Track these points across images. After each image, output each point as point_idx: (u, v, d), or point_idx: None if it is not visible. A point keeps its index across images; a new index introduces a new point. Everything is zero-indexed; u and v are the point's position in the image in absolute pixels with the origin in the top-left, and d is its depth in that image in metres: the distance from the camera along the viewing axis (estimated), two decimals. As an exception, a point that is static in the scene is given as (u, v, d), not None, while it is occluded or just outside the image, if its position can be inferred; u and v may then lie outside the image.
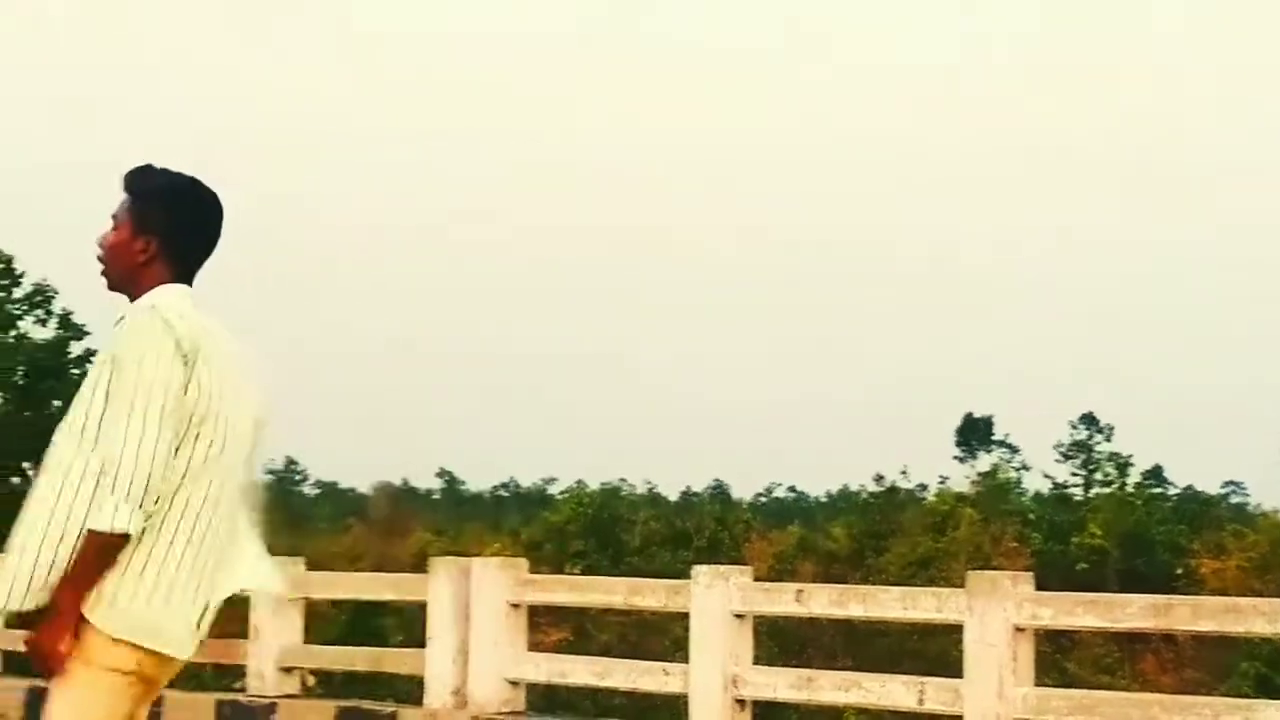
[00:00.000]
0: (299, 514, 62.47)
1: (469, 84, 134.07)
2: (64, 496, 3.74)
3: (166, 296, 3.90)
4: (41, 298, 31.99)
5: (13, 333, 31.61)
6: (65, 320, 31.94)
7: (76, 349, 31.96)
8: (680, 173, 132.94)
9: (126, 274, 3.97)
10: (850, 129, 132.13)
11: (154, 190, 3.96)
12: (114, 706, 3.80)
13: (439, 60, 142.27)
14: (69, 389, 31.13)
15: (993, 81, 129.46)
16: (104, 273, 4.02)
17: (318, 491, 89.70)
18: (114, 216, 3.99)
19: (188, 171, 4.07)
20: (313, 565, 13.18)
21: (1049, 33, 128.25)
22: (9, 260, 31.77)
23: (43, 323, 31.94)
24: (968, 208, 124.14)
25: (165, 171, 4.03)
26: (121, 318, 3.91)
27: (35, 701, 12.61)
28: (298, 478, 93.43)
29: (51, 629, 3.69)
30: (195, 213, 3.99)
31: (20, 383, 30.97)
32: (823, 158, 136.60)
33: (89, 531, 3.67)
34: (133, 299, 3.95)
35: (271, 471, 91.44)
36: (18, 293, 31.86)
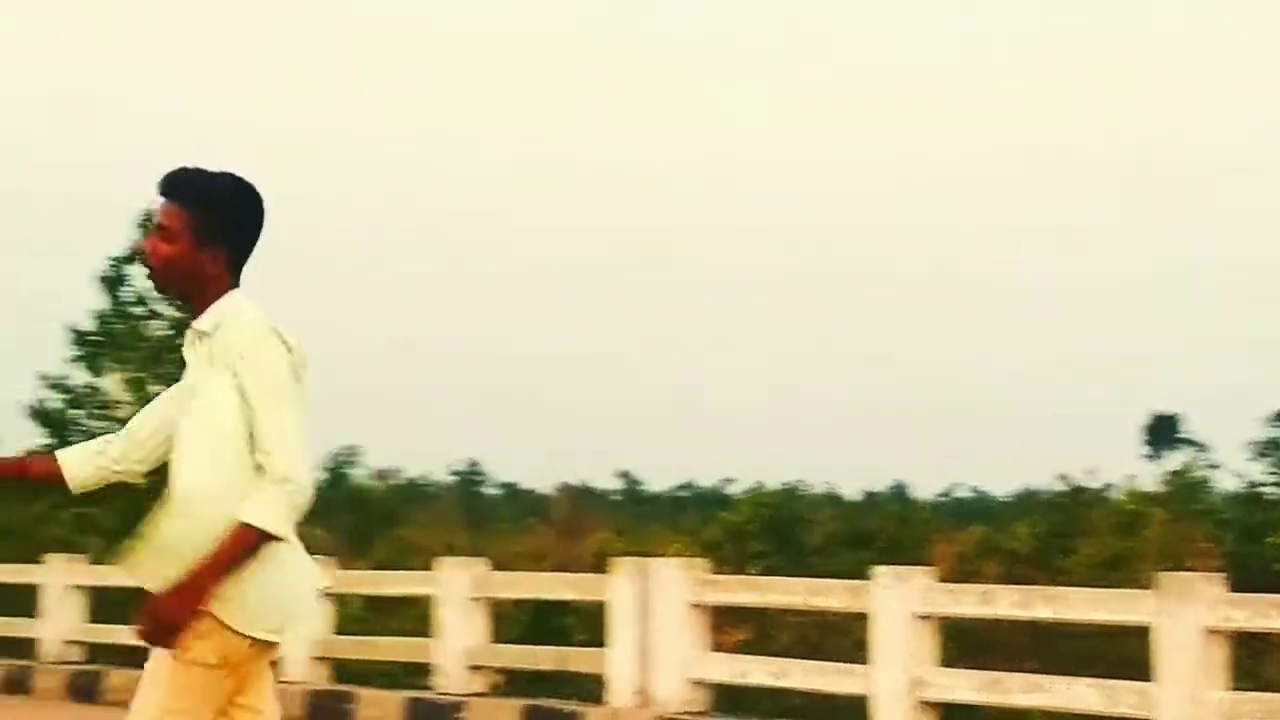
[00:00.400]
0: (481, 515, 63.27)
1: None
2: (218, 486, 3.77)
3: (254, 307, 3.90)
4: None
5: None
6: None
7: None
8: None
9: (192, 286, 3.91)
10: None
11: (218, 200, 3.89)
12: (215, 699, 3.84)
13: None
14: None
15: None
16: (160, 284, 4.00)
17: (500, 493, 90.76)
18: (163, 226, 3.89)
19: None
20: (496, 565, 13.36)
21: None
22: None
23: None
24: (1144, 205, 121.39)
25: (217, 175, 3.93)
26: (209, 328, 3.86)
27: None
28: (480, 479, 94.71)
29: (180, 600, 3.68)
30: (256, 219, 3.95)
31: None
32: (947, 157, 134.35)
33: (246, 525, 3.68)
34: (198, 309, 3.91)
35: (455, 473, 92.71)
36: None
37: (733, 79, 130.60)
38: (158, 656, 3.83)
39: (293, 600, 3.89)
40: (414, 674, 13.36)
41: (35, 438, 31.70)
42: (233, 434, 3.79)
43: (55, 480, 4.14)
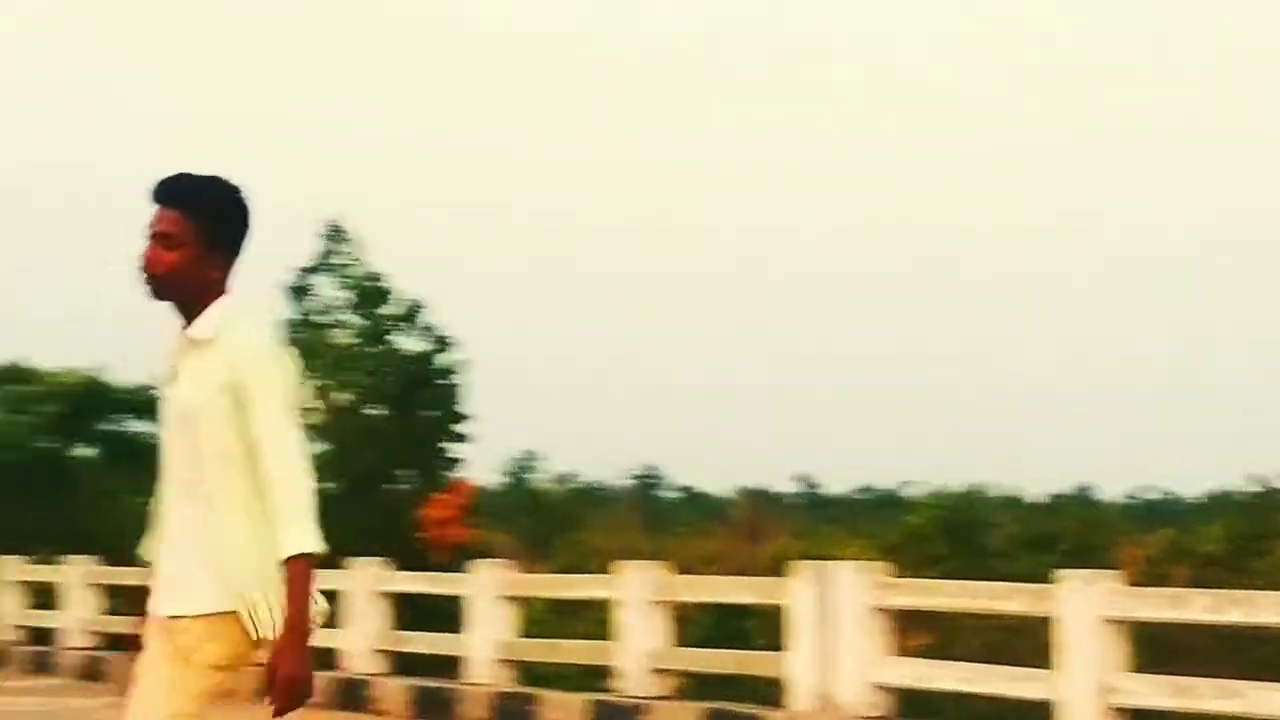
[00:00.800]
0: (660, 519, 63.50)
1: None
2: (254, 522, 3.81)
3: (251, 314, 3.91)
4: (413, 311, 33.43)
5: (386, 346, 33.14)
6: (435, 333, 33.31)
7: (446, 360, 33.27)
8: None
9: (195, 293, 3.85)
10: None
11: (219, 205, 3.87)
12: (218, 700, 3.98)
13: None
14: (439, 399, 32.45)
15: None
16: (160, 292, 3.88)
17: (678, 496, 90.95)
18: (165, 233, 3.83)
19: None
20: (676, 569, 13.42)
21: None
22: (380, 276, 33.35)
23: (414, 335, 33.37)
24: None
25: (215, 180, 3.90)
26: (205, 336, 3.84)
27: (423, 699, 13.21)
28: (658, 483, 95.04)
29: (296, 656, 3.74)
30: (248, 224, 3.93)
31: (395, 393, 32.41)
32: None
33: (301, 556, 3.74)
34: (192, 315, 3.86)
35: (634, 477, 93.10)
36: (390, 308, 33.39)
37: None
38: (155, 659, 3.88)
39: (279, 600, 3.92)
40: (596, 676, 13.47)
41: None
42: (239, 463, 3.81)
43: None
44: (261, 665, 3.83)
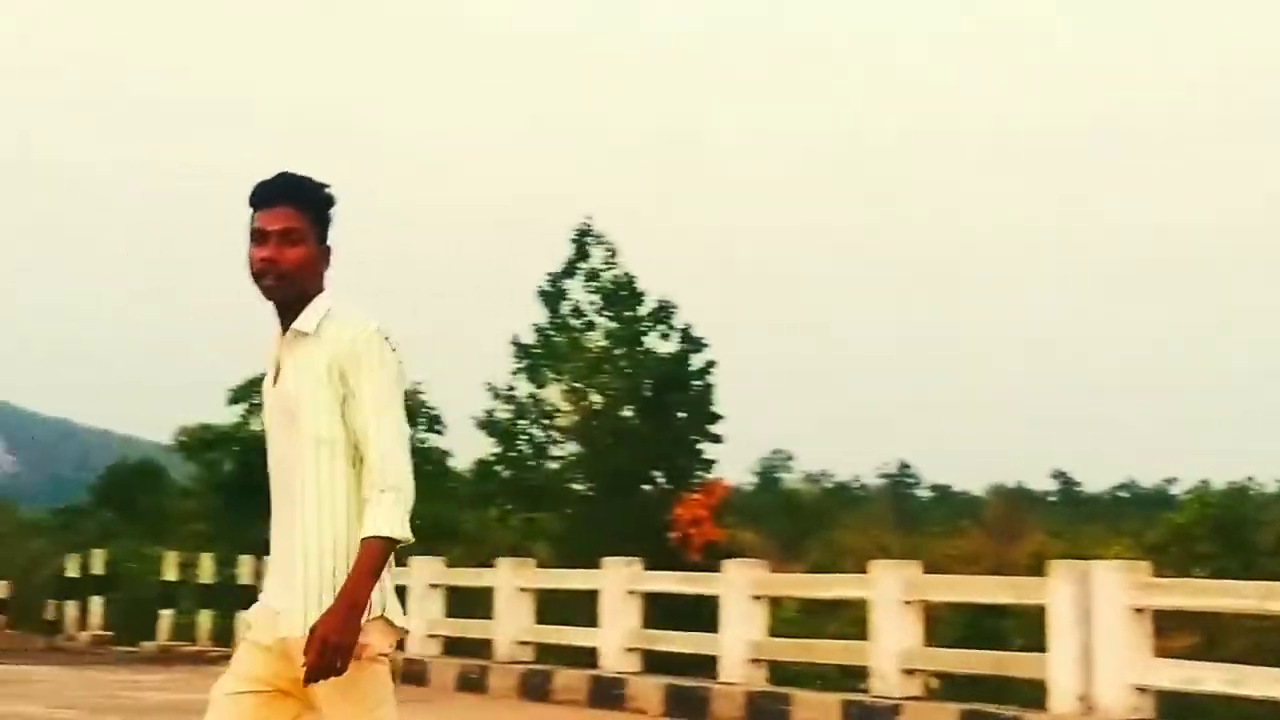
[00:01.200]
0: (913, 517, 62.84)
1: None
2: (337, 505, 3.77)
3: (356, 306, 3.90)
4: (663, 313, 33.69)
5: (639, 348, 33.47)
6: (686, 334, 33.51)
7: (696, 361, 33.45)
8: None
9: (310, 289, 3.88)
10: None
11: (324, 201, 3.93)
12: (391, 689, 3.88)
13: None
14: (690, 400, 32.65)
15: None
16: (285, 291, 3.87)
17: (931, 495, 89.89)
18: (288, 229, 3.85)
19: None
20: (929, 568, 13.29)
21: None
22: (631, 279, 33.69)
23: (665, 337, 33.63)
24: None
25: (312, 178, 3.96)
26: (310, 328, 3.84)
27: (677, 697, 13.33)
28: (911, 481, 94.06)
29: (343, 622, 3.62)
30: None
31: (647, 395, 32.71)
32: None
33: (380, 537, 3.66)
34: (296, 312, 3.87)
35: (885, 475, 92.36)
36: (641, 310, 33.70)
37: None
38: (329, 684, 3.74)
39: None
40: (849, 676, 13.42)
41: (485, 447, 33.41)
42: (341, 452, 3.79)
43: None
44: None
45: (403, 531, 3.68)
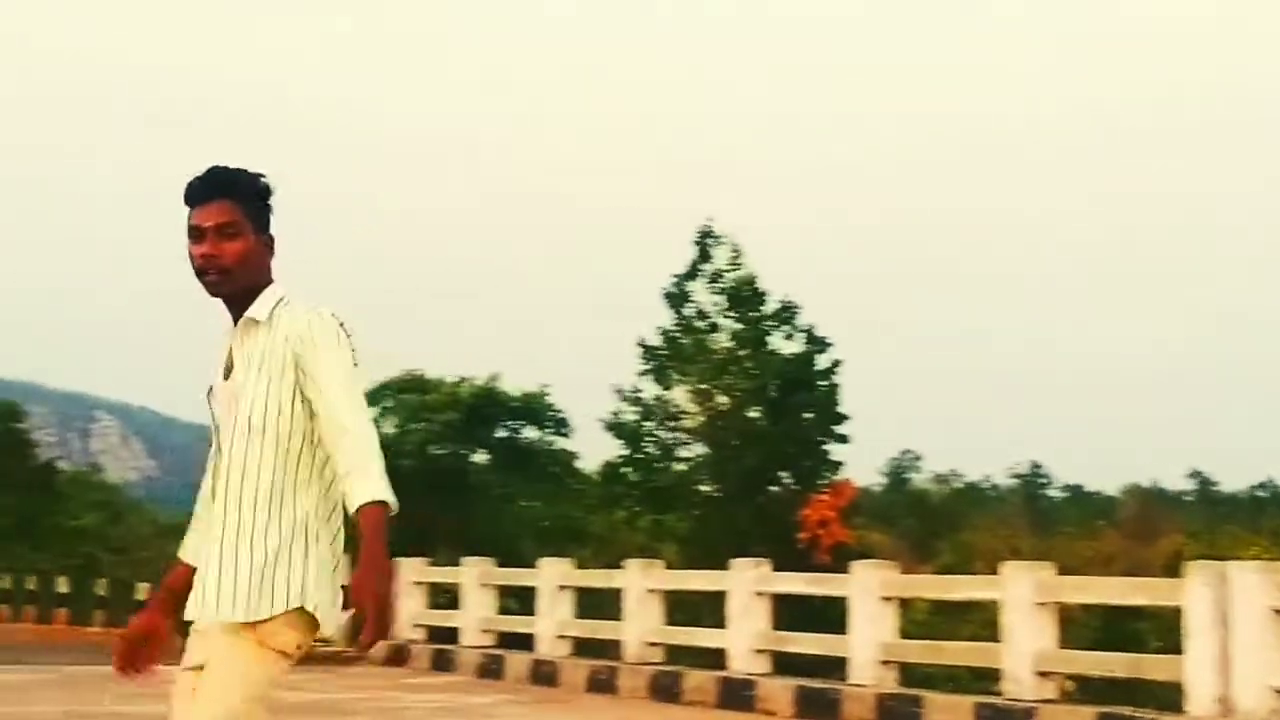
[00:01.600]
0: (1045, 518, 62.06)
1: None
2: (260, 494, 3.73)
3: (299, 294, 3.88)
4: (787, 314, 33.59)
5: (763, 349, 33.39)
6: (810, 334, 33.38)
7: (822, 361, 33.31)
8: None
9: (256, 280, 3.86)
10: None
11: (258, 190, 3.89)
12: (278, 687, 3.79)
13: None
14: (816, 401, 32.51)
15: None
16: (229, 285, 3.84)
17: (1064, 495, 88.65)
18: (224, 223, 3.82)
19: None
20: (1062, 569, 13.10)
21: None
22: (754, 280, 33.63)
23: (789, 337, 33.53)
24: None
25: (244, 169, 3.91)
26: (263, 316, 3.81)
27: (808, 699, 13.29)
28: (1043, 482, 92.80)
29: (378, 583, 3.52)
30: (272, 206, 3.96)
31: (773, 396, 32.63)
32: None
33: (377, 503, 3.56)
34: (247, 302, 3.84)
35: (1017, 475, 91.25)
36: (764, 310, 33.63)
37: None
38: (218, 648, 3.72)
39: (337, 594, 3.82)
40: (982, 678, 13.27)
41: (612, 450, 33.53)
42: (272, 441, 3.75)
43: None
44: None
45: (393, 499, 3.60)
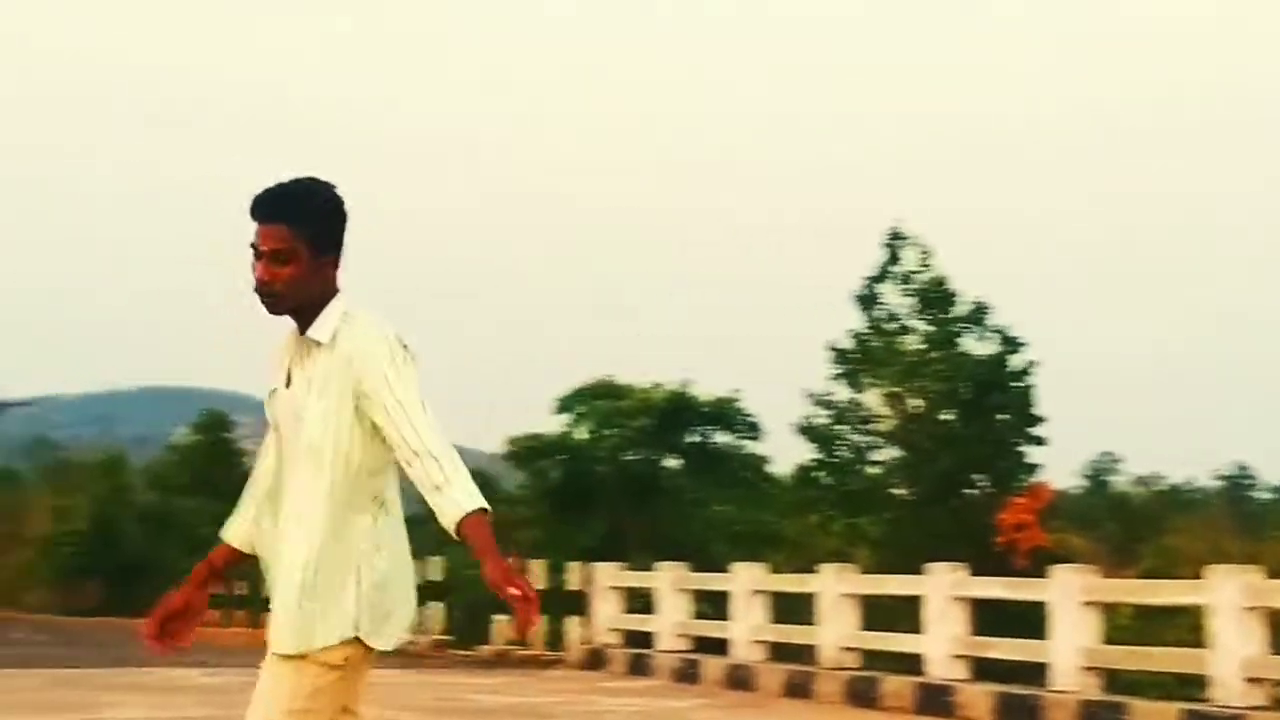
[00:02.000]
0: (1252, 521, 60.16)
1: None
2: (316, 518, 3.77)
3: (368, 311, 3.83)
4: (979, 315, 33.13)
5: (955, 350, 32.97)
6: (1003, 335, 32.88)
7: (1015, 362, 32.78)
8: None
9: (313, 300, 3.82)
10: None
11: (321, 211, 3.84)
12: (338, 701, 3.83)
13: None
14: (1011, 403, 32.00)
15: None
16: (279, 307, 3.84)
17: (1272, 497, 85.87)
18: (275, 250, 3.79)
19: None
20: (1272, 574, 12.72)
21: None
22: (944, 281, 33.24)
23: (982, 339, 33.07)
24: None
25: (314, 184, 3.86)
26: (325, 338, 3.79)
27: (1008, 705, 13.10)
28: (1250, 483, 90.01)
29: (507, 576, 3.53)
30: (347, 219, 3.88)
31: (966, 398, 32.21)
32: None
33: (480, 510, 3.59)
34: (311, 319, 3.83)
35: (1222, 477, 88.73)
36: (956, 311, 33.21)
37: None
38: (267, 667, 3.80)
39: (404, 605, 3.85)
40: (1188, 685, 12.95)
41: (804, 453, 33.41)
42: (328, 463, 3.76)
43: (236, 558, 4.07)
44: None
45: (485, 502, 3.63)
